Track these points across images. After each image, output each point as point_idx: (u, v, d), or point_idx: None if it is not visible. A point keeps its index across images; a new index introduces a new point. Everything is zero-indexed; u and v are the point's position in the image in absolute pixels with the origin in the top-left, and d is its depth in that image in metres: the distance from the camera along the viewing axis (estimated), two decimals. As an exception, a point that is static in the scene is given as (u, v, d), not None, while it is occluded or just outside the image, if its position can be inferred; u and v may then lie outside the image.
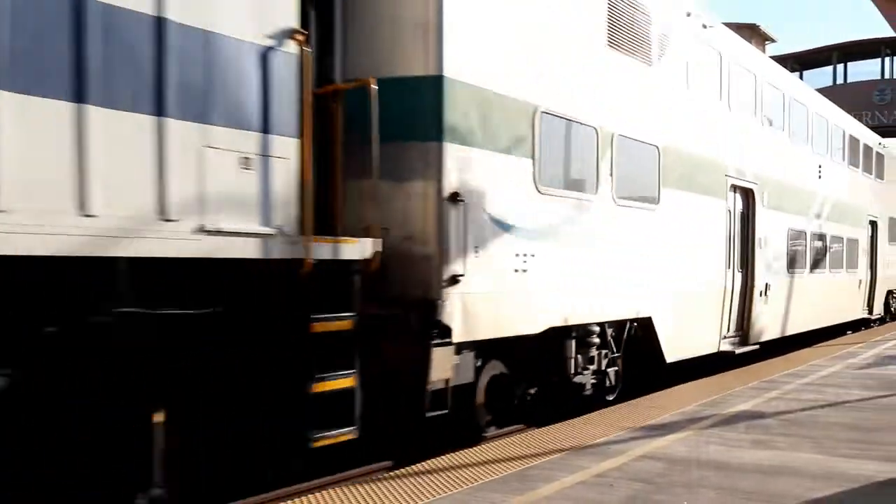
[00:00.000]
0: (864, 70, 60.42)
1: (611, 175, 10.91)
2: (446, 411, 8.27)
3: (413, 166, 8.10)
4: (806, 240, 18.79)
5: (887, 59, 56.14)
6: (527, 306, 9.35)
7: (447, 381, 8.24)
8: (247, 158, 6.30)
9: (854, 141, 23.10)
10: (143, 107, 5.61)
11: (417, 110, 8.10)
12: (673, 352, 12.39)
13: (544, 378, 10.34)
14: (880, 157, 25.97)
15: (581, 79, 10.39)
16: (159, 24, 5.66)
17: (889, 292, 27.99)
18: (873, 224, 25.13)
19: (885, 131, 39.95)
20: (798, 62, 57.77)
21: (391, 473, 7.22)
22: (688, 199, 13.02)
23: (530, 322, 9.42)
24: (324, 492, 6.67)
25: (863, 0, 7.58)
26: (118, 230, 5.41)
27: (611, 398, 11.43)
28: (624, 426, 9.24)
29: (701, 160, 13.54)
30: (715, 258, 14.05)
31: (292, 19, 6.66)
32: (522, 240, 9.23)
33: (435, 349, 8.04)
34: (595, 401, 10.96)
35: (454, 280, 8.19)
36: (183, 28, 5.81)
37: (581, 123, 10.34)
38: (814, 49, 58.21)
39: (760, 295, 15.66)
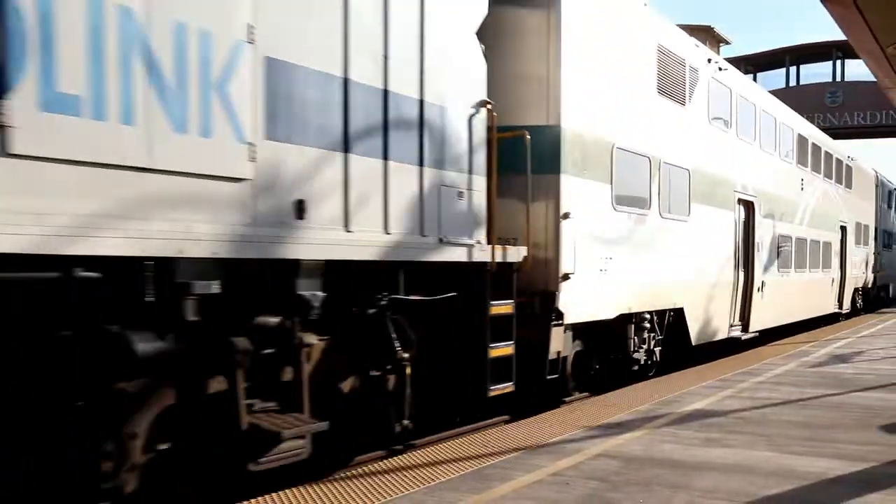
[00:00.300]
0: (817, 72, 61.28)
1: (658, 194, 13.74)
2: (557, 375, 10.95)
3: (538, 191, 10.53)
4: (792, 244, 21.73)
5: (839, 62, 56.89)
6: (606, 298, 12.11)
7: (559, 352, 10.93)
8: (461, 192, 8.97)
9: (829, 156, 26.33)
10: (412, 160, 8.24)
11: (542, 150, 10.56)
12: (697, 337, 15.31)
13: (610, 354, 12.94)
14: (849, 169, 29.34)
15: (640, 119, 13.20)
16: (421, 105, 8.38)
17: (855, 289, 31.44)
18: (843, 229, 28.34)
19: (836, 133, 40.59)
20: (752, 64, 58.40)
21: (348, 473, 7.19)
22: (708, 212, 15.89)
23: (608, 310, 12.18)
24: (281, 493, 6.63)
25: (816, 3, 7.70)
26: (401, 244, 8.04)
27: (651, 374, 14.03)
28: (580, 425, 9.29)
29: (717, 179, 16.45)
30: (727, 260, 16.96)
31: (484, 93, 9.29)
32: (604, 246, 12.02)
33: (553, 328, 10.75)
34: (642, 374, 13.72)
35: (566, 277, 10.92)
36: (432, 106, 8.52)
37: (640, 154, 13.14)
38: (767, 52, 58.88)
39: (758, 291, 18.60)
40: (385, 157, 7.84)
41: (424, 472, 7.22)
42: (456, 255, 8.82)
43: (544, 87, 10.89)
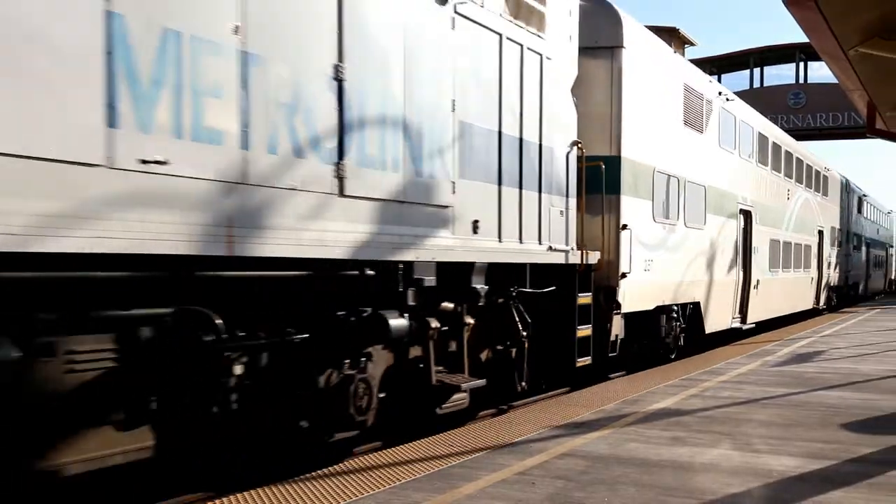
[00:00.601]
0: (780, 74, 61.90)
1: (683, 207, 16.62)
2: (616, 353, 13.57)
3: (605, 208, 13.23)
4: (780, 247, 25.07)
5: (802, 64, 57.45)
6: (648, 293, 14.90)
7: (617, 336, 13.56)
8: (561, 211, 11.74)
9: (809, 168, 29.62)
10: (534, 188, 11.06)
11: (608, 176, 13.24)
12: (709, 326, 18.35)
13: (643, 338, 15.46)
14: (826, 178, 32.81)
15: (671, 146, 16.10)
16: (540, 147, 11.23)
17: (830, 287, 34.73)
18: (820, 233, 31.62)
19: (799, 134, 41.09)
20: (716, 66, 58.84)
21: (314, 473, 7.16)
22: (719, 221, 19.00)
23: (649, 303, 15.05)
24: (246, 493, 6.59)
25: (780, 6, 7.79)
26: (529, 251, 10.98)
27: (672, 356, 16.56)
28: (546, 424, 9.31)
29: (725, 193, 19.54)
30: (731, 261, 19.89)
31: (575, 135, 12.22)
32: (647, 251, 14.74)
33: (615, 316, 13.47)
34: (666, 355, 16.46)
35: (623, 275, 13.61)
36: (547, 148, 11.39)
37: (671, 175, 16.01)
38: (731, 53, 59.35)
39: (754, 288, 21.73)
40: (520, 188, 10.74)
41: (390, 471, 7.21)
42: (559, 258, 11.66)
43: (608, 124, 13.70)
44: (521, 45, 10.86)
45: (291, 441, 8.19)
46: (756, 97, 54.46)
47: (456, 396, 9.56)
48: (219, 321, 6.49)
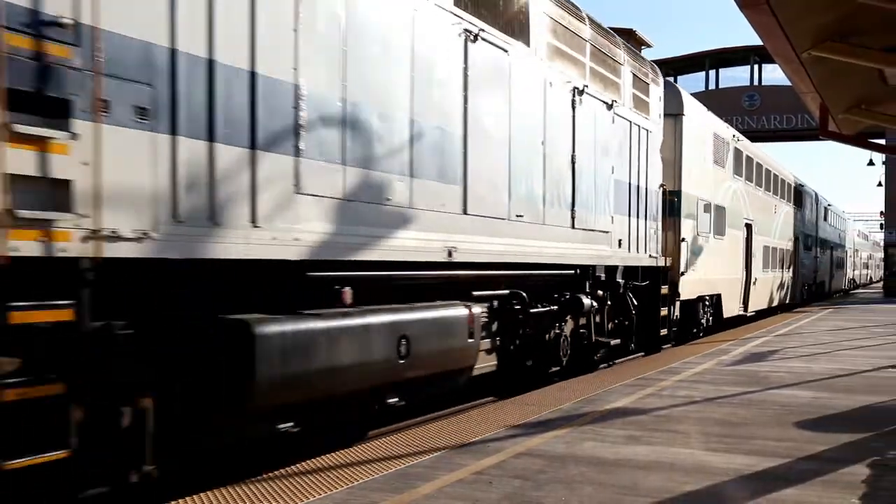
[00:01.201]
0: (735, 76, 62.57)
1: (713, 224, 22.55)
2: (676, 329, 19.29)
3: (670, 226, 18.86)
4: (770, 251, 31.42)
5: (756, 67, 58.05)
6: (693, 287, 20.53)
7: (677, 316, 19.28)
8: (654, 230, 17.08)
9: (788, 185, 36.19)
10: (643, 216, 16.50)
11: (673, 205, 19.13)
12: (726, 313, 24.28)
13: (685, 320, 20.65)
14: (800, 192, 39.50)
15: (705, 180, 22.03)
16: (647, 190, 16.62)
17: (803, 285, 41.62)
18: (797, 239, 38.28)
19: (754, 136, 41.59)
20: (672, 68, 59.26)
21: (271, 474, 7.11)
22: (733, 233, 25.21)
23: (694, 294, 20.83)
24: (202, 494, 6.53)
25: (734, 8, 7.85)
26: (641, 258, 16.59)
27: (701, 333, 22.28)
28: (503, 424, 9.32)
29: (736, 211, 25.78)
30: (739, 262, 26.38)
31: (661, 177, 17.67)
32: (693, 256, 20.37)
33: (676, 303, 19.13)
34: (697, 333, 22.11)
35: (682, 273, 19.32)
36: (650, 190, 16.95)
37: (706, 201, 21.95)
38: (687, 55, 59.84)
39: (752, 284, 28.00)
40: (637, 217, 16.33)
41: (348, 471, 7.18)
42: (654, 262, 17.36)
43: (672, 168, 19.18)
44: (639, 126, 16.40)
45: (523, 374, 12.90)
46: (712, 99, 54.98)
47: (605, 348, 15.36)
48: (525, 297, 11.94)
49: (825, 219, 50.53)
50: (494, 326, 11.54)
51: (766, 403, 11.04)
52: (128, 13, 5.95)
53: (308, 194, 7.63)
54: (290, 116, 7.45)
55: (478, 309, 10.19)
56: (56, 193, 5.49)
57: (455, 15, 10.00)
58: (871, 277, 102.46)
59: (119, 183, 5.87)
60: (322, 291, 7.99)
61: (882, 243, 66.89)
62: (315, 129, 7.73)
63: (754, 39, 9.85)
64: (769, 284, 31.46)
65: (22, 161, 5.29)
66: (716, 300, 23.31)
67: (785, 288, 35.26)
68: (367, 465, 7.41)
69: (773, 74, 62.83)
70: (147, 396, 6.23)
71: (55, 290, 5.59)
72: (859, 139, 16.09)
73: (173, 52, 6.31)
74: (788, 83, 12.07)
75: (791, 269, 36.71)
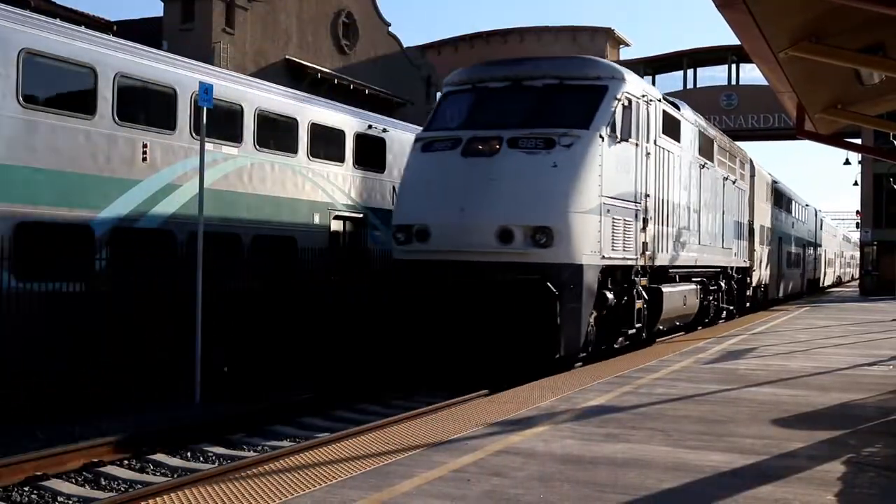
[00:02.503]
0: (713, 76, 62.68)
1: (764, 237, 34.36)
2: (749, 305, 31.98)
3: (748, 242, 30.43)
4: (777, 254, 40.48)
5: (734, 66, 58.34)
6: (757, 277, 32.64)
7: (751, 296, 32.15)
8: (745, 246, 30.19)
9: (790, 201, 45.81)
10: (744, 238, 29.92)
11: (748, 229, 30.34)
12: (770, 295, 37.60)
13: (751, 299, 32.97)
14: (794, 203, 47.68)
15: (762, 212, 33.88)
16: (748, 224, 30.44)
17: (785, 278, 48.56)
18: (780, 239, 43.27)
19: (733, 135, 41.77)
20: (650, 67, 59.51)
21: (252, 471, 7.10)
22: (768, 242, 36.03)
23: (757, 282, 33.18)
24: (179, 492, 6.51)
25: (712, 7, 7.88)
26: (741, 260, 29.92)
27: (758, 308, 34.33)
28: (481, 422, 9.32)
29: (769, 228, 36.12)
30: (772, 263, 37.40)
31: (749, 214, 31.08)
32: (758, 259, 32.48)
33: (751, 287, 31.53)
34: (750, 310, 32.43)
35: (753, 270, 31.44)
36: (744, 223, 29.72)
37: (762, 224, 33.77)
38: (665, 54, 60.12)
39: (782, 277, 41.32)
40: (740, 238, 28.23)
41: (326, 469, 7.17)
42: (745, 264, 28.94)
43: (747, 205, 29.65)
44: (738, 187, 27.40)
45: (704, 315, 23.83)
46: (689, 98, 55.19)
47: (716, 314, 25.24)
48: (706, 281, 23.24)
49: (808, 223, 56.56)
50: (700, 293, 22.10)
51: (744, 401, 11.09)
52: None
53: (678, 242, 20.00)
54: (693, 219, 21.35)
55: (694, 286, 21.44)
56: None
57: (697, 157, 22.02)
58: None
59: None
60: (671, 276, 19.75)
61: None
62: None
63: (733, 39, 9.88)
64: (791, 278, 46.25)
65: None
66: (763, 287, 34.94)
67: (782, 281, 46.23)
68: (345, 463, 7.40)
69: (752, 74, 63.22)
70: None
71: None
72: (836, 139, 16.19)
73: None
74: (766, 83, 12.12)
75: (800, 267, 50.90)
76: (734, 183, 26.75)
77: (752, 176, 31.35)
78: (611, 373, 13.55)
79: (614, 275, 15.94)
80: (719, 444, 8.43)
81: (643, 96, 16.51)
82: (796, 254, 49.07)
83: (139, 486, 9.33)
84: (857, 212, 58.09)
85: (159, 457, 10.63)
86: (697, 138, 21.58)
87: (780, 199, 41.84)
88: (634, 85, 16.20)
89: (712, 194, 23.52)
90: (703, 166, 22.24)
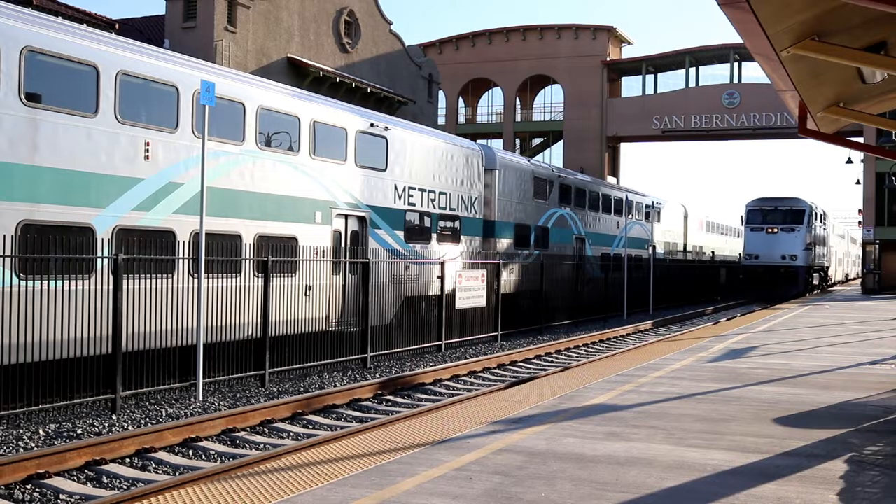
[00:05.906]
0: (715, 74, 62.75)
1: (834, 247, 64.36)
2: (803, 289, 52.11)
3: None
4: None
5: (736, 65, 58.30)
6: (831, 271, 60.48)
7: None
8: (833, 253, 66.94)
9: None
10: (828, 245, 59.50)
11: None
12: (832, 279, 63.95)
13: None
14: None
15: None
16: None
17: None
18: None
19: (733, 134, 41.64)
20: (652, 65, 59.46)
21: (254, 469, 7.10)
22: (838, 244, 71.13)
23: (828, 273, 57.57)
24: (181, 489, 6.51)
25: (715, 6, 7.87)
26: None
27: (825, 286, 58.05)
28: (483, 420, 9.33)
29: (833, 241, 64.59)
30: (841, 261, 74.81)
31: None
32: (836, 260, 67.81)
33: (814, 274, 52.32)
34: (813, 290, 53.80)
35: (826, 269, 56.82)
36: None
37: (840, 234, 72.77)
38: (667, 53, 60.03)
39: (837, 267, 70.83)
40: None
41: (328, 468, 7.18)
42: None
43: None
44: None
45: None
46: (692, 97, 55.24)
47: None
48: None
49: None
50: None
51: (746, 400, 11.09)
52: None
53: None
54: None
55: None
56: None
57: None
58: None
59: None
60: None
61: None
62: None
63: (735, 38, 9.86)
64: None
65: None
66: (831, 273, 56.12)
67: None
68: (347, 461, 7.41)
69: (754, 73, 63.20)
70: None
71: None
72: (838, 137, 16.16)
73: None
74: (768, 81, 12.11)
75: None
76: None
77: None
78: (612, 371, 13.56)
79: None
80: (721, 442, 8.43)
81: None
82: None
83: (141, 483, 9.34)
84: (860, 210, 58.14)
85: (161, 455, 10.63)
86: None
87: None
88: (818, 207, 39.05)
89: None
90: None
